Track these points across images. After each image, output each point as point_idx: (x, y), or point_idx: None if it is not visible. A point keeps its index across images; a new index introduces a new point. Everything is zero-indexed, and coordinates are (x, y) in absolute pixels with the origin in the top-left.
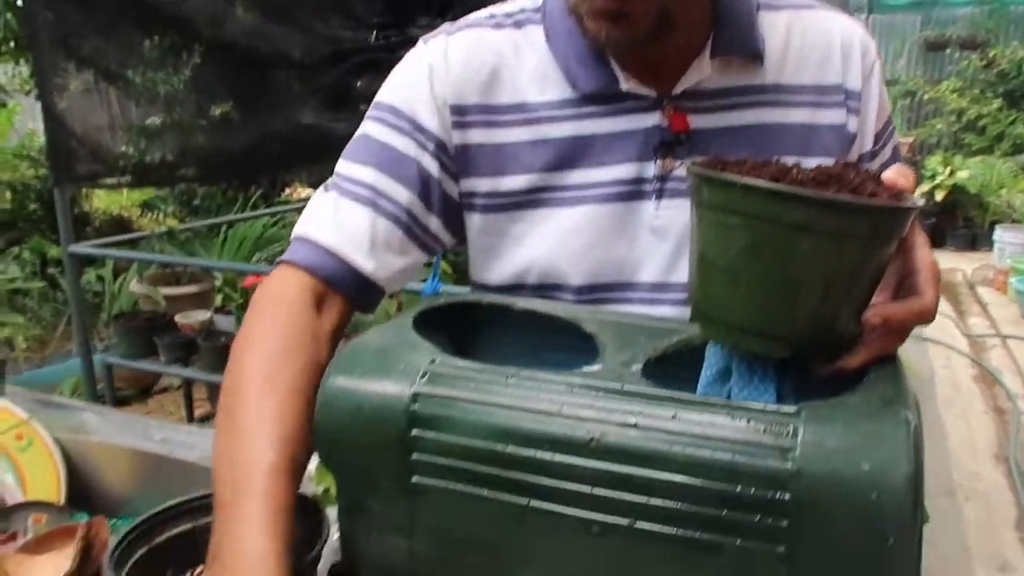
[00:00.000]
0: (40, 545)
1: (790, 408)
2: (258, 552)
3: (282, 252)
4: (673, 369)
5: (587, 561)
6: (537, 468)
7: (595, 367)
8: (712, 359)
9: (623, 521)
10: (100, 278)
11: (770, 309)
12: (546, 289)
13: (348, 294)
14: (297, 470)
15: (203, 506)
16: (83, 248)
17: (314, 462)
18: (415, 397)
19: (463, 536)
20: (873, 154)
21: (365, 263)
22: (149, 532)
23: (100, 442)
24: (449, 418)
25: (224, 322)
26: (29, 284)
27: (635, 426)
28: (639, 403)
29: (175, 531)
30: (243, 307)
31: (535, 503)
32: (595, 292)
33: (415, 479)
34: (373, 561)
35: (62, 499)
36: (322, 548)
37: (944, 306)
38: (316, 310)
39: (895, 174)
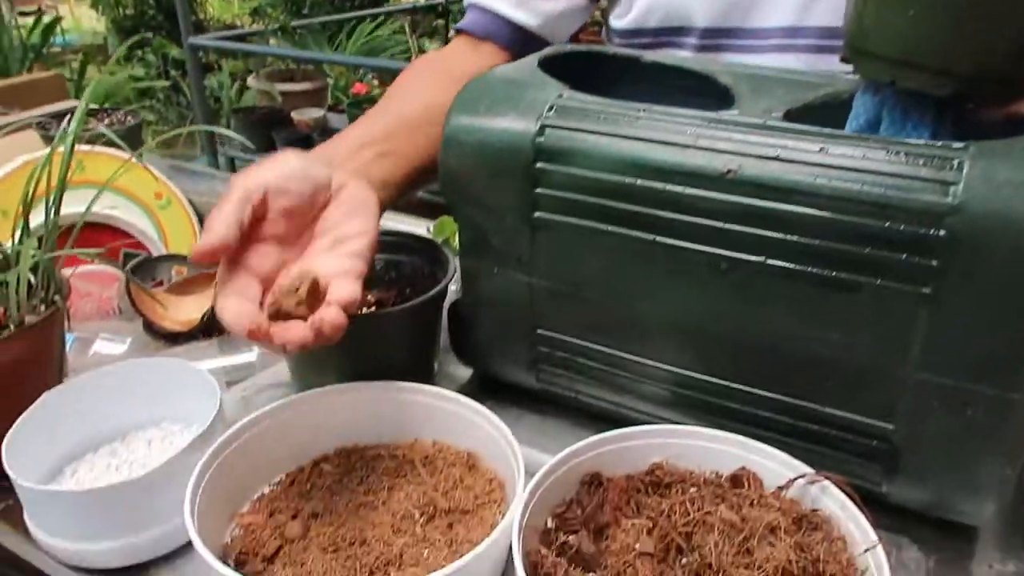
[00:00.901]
0: (183, 288)
1: (956, 144)
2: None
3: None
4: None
5: (711, 298)
6: (666, 202)
7: (732, 112)
8: (860, 108)
9: (755, 258)
10: (219, 83)
11: (937, 37)
12: (667, 34)
13: (504, 44)
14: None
15: None
16: (203, 40)
17: (431, 222)
18: (542, 130)
19: (585, 272)
20: None
21: (514, 13)
22: None
23: None
24: (576, 150)
25: (336, 120)
26: (155, 82)
27: (777, 158)
28: (782, 137)
29: None
30: (354, 106)
31: (661, 239)
32: (719, 37)
33: (538, 214)
34: (493, 296)
35: None
36: (448, 284)
37: None
38: (471, 55)
39: None
